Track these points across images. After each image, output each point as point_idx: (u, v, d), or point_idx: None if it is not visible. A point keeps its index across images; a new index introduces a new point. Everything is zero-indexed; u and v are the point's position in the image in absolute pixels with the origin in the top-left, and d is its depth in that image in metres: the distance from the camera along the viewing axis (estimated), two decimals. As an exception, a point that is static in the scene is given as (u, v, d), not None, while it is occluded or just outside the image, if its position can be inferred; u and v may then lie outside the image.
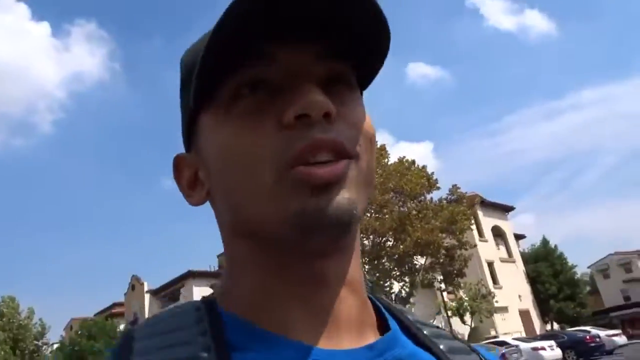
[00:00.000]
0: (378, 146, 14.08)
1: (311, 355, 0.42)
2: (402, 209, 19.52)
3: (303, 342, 0.43)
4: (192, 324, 0.43)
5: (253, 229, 0.44)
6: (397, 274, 19.86)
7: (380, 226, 18.71)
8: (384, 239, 19.55)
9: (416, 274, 19.90)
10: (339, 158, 0.42)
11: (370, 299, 0.51)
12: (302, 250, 0.43)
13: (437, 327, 0.55)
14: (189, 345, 0.41)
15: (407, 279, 19.93)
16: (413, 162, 20.34)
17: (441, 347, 0.50)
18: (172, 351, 0.41)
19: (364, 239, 19.34)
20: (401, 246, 18.96)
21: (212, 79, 0.44)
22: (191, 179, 0.51)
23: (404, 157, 20.43)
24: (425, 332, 0.51)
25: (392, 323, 0.50)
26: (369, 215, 19.12)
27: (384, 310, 0.52)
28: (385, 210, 19.14)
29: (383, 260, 19.54)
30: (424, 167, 20.34)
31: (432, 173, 20.31)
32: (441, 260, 20.34)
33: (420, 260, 20.13)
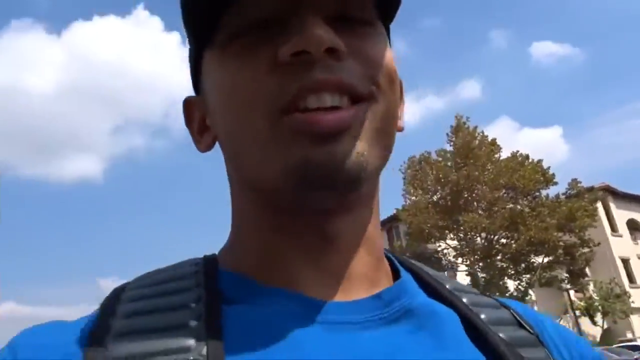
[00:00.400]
0: (489, 140, 13.69)
1: (309, 305, 0.39)
2: (514, 206, 18.84)
3: (303, 293, 0.40)
4: (187, 276, 0.41)
5: (253, 181, 0.41)
6: (512, 272, 19.26)
7: (490, 224, 18.28)
8: (495, 236, 19.06)
9: (533, 272, 19.15)
10: (350, 101, 0.37)
11: (386, 256, 0.48)
12: (306, 207, 0.40)
13: (465, 285, 0.51)
14: (178, 295, 0.39)
15: (523, 278, 19.25)
16: (527, 156, 19.51)
17: (464, 300, 0.46)
18: (160, 300, 0.38)
19: (476, 236, 19.05)
20: (514, 245, 18.38)
21: (208, 14, 0.40)
22: (201, 123, 0.47)
23: (518, 151, 19.68)
24: (447, 286, 0.48)
25: (405, 275, 0.47)
26: (480, 212, 18.78)
27: (398, 264, 0.48)
28: (495, 208, 18.66)
29: (497, 258, 19.07)
30: (539, 161, 19.41)
31: (548, 168, 19.33)
32: (560, 259, 19.33)
33: (537, 259, 19.31)
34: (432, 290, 0.47)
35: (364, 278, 0.43)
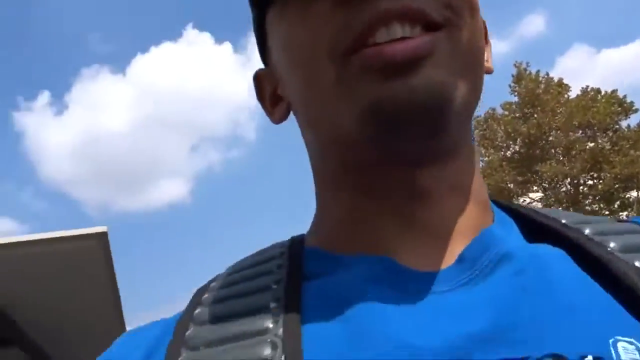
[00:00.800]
0: (556, 81, 13.17)
1: (394, 272, 0.36)
2: (594, 145, 17.98)
3: (392, 258, 0.36)
4: (272, 259, 0.41)
5: (326, 135, 0.38)
6: (607, 212, 18.45)
7: (571, 169, 17.61)
8: (580, 180, 18.32)
9: (630, 208, 18.23)
10: (423, 30, 0.33)
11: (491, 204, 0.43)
12: (389, 156, 0.36)
13: (596, 216, 0.44)
14: (261, 278, 0.38)
15: (621, 215, 18.39)
16: (598, 90, 18.47)
17: (586, 231, 0.39)
18: (243, 285, 0.38)
19: (559, 184, 18.44)
20: (600, 186, 17.59)
21: None
22: (272, 95, 0.45)
23: (587, 86, 18.66)
24: (563, 220, 0.41)
25: (499, 219, 0.41)
26: (561, 158, 18.13)
27: (495, 208, 0.43)
28: (573, 152, 17.91)
29: (586, 202, 18.35)
30: (613, 92, 18.30)
31: (625, 96, 18.19)
32: (657, 189, 18.23)
33: (632, 194, 18.35)
34: (540, 228, 0.42)
35: (468, 230, 0.39)
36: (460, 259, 0.37)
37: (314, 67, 0.36)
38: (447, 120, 0.34)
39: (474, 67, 0.36)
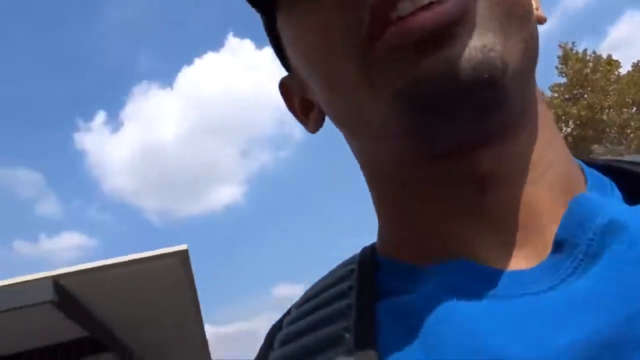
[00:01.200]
0: (604, 58, 12.80)
1: (476, 277, 0.31)
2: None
3: (470, 260, 0.32)
4: (343, 279, 0.37)
5: (363, 135, 0.34)
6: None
7: (625, 149, 17.07)
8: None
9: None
10: None
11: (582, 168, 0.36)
12: (438, 144, 0.31)
13: None
14: (331, 305, 0.35)
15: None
16: (650, 64, 17.84)
17: None
18: (314, 316, 0.36)
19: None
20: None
21: None
22: (302, 101, 0.42)
23: (639, 61, 18.04)
24: None
25: (593, 183, 0.35)
26: (616, 137, 17.62)
27: (587, 170, 0.36)
28: (628, 130, 17.36)
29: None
30: (667, 64, 17.65)
31: (680, 68, 17.46)
32: None
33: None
34: None
35: (555, 206, 0.32)
36: (557, 244, 0.31)
37: (331, 60, 0.32)
38: (501, 90, 0.29)
39: (520, 21, 0.30)
